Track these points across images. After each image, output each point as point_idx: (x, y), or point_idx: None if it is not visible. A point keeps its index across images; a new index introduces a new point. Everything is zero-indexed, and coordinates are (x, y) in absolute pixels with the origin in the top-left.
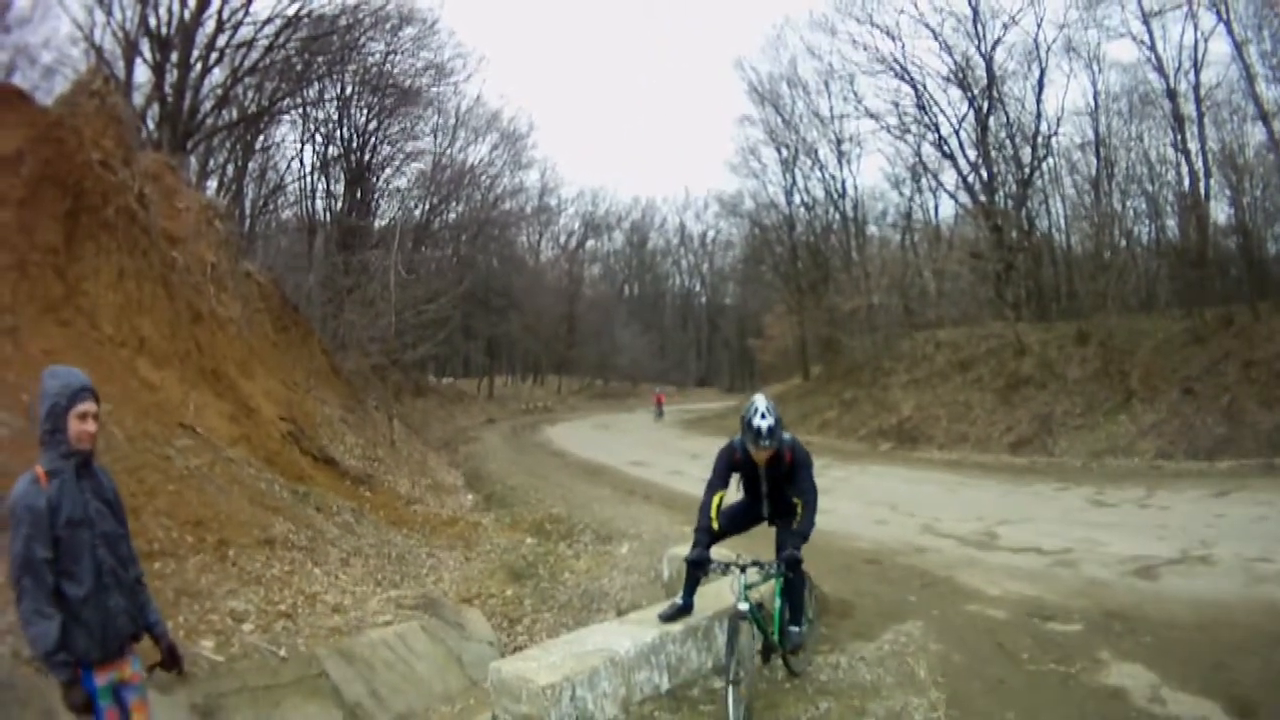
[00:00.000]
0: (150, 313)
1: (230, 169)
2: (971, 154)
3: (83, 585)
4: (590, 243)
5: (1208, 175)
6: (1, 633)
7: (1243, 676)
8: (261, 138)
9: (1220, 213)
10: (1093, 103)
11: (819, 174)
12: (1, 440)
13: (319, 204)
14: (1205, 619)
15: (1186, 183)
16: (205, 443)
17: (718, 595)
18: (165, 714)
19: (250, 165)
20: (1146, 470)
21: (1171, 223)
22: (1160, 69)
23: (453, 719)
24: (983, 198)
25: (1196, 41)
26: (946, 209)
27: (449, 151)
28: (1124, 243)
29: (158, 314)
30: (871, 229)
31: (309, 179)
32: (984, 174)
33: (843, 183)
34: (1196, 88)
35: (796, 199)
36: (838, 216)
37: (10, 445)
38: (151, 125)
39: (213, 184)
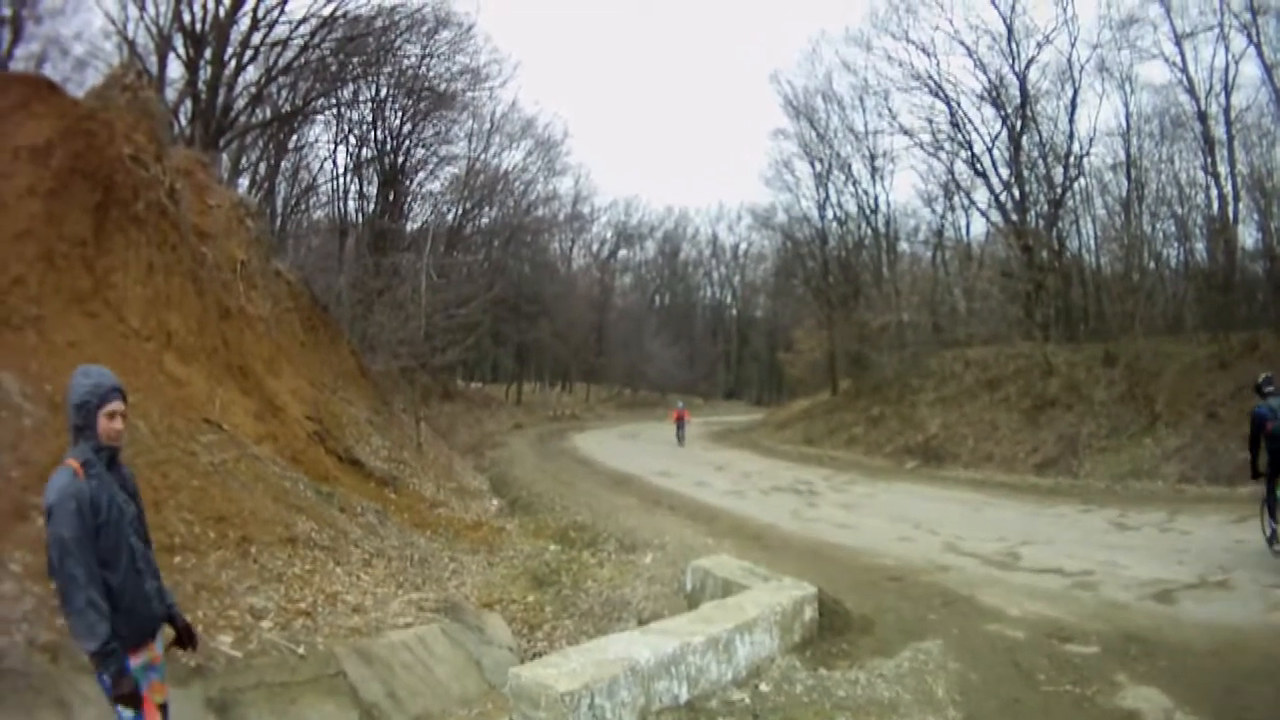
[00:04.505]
0: (178, 308)
1: (263, 167)
2: (1004, 172)
3: (119, 573)
4: (622, 252)
5: (1236, 199)
6: (15, 621)
7: (1255, 702)
8: (295, 137)
9: (1248, 237)
10: (1125, 123)
11: (852, 189)
12: (25, 429)
13: (351, 205)
14: (1220, 644)
15: (1215, 206)
16: (230, 439)
17: (739, 607)
18: (181, 707)
19: (283, 164)
20: (1169, 494)
21: (1200, 246)
22: (1192, 91)
23: None
24: (1014, 217)
25: (1228, 64)
26: (978, 227)
27: (483, 156)
28: (1153, 265)
29: (186, 309)
30: (903, 245)
31: (342, 180)
32: (1016, 193)
33: (875, 198)
34: (1227, 110)
35: (829, 213)
36: (870, 232)
37: (33, 434)
38: (184, 121)
39: (244, 182)
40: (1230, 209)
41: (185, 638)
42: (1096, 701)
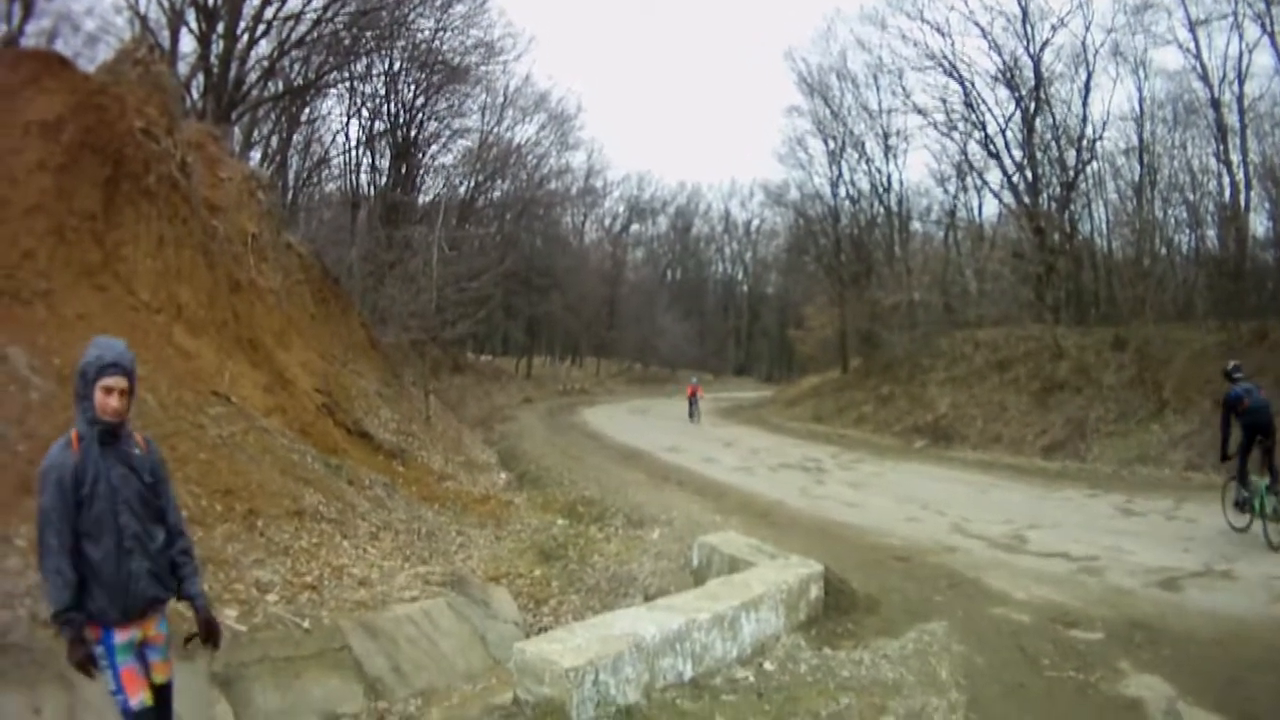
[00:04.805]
0: (189, 280)
1: (274, 140)
2: (1017, 154)
3: (102, 548)
4: (635, 226)
5: (1248, 187)
6: (19, 596)
7: (1257, 694)
8: (307, 110)
9: (1259, 225)
10: (1138, 109)
11: (865, 167)
12: (32, 403)
13: (363, 178)
14: (1224, 634)
15: (1227, 194)
16: (239, 412)
17: (745, 584)
18: (185, 682)
19: (295, 137)
20: (1175, 481)
21: (1211, 233)
22: (1205, 78)
23: (474, 698)
24: (1027, 199)
25: (1241, 53)
26: (990, 208)
27: (496, 130)
28: (1164, 251)
29: (196, 282)
30: (915, 225)
31: (354, 153)
32: (1029, 175)
33: (888, 177)
34: (1240, 99)
35: (842, 191)
36: (882, 211)
37: (40, 408)
38: (196, 95)
39: (256, 155)
40: (1242, 197)
41: (205, 633)
42: (1100, 688)
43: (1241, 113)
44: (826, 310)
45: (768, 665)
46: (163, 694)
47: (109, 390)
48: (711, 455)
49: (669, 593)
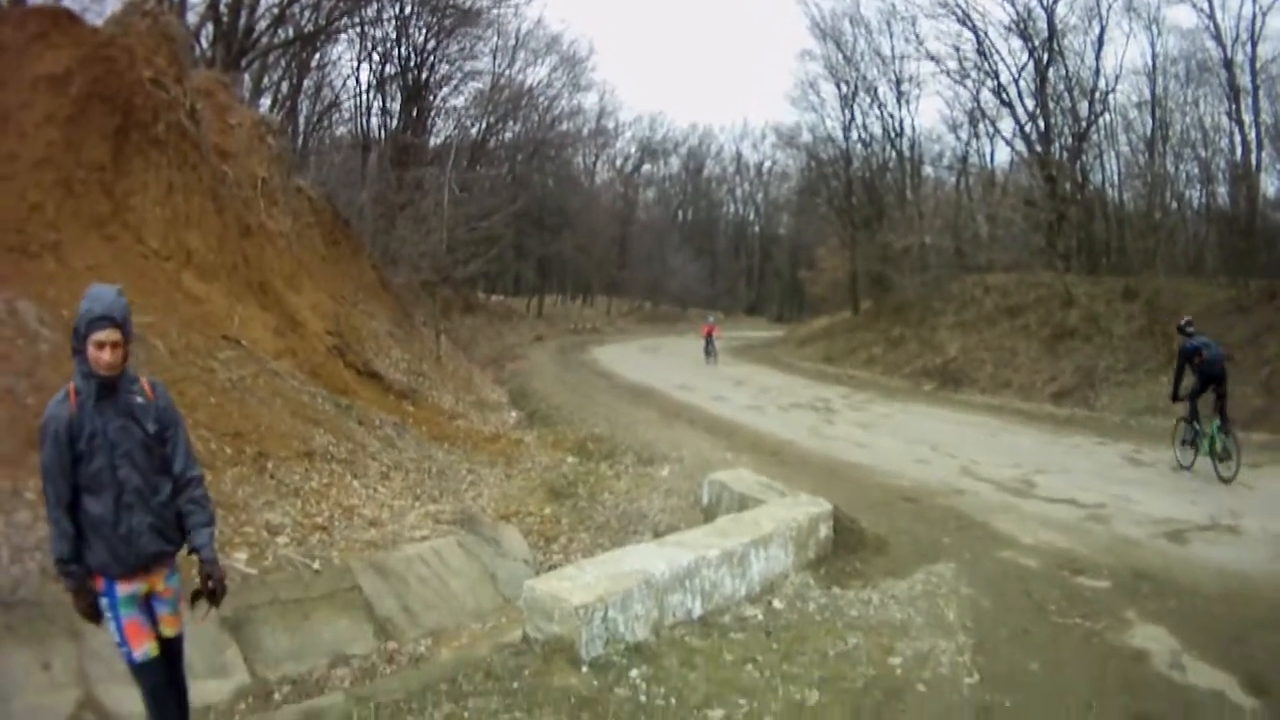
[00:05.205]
0: (198, 226)
1: (285, 86)
2: (1029, 104)
3: (102, 502)
4: (646, 167)
5: (1259, 148)
6: (28, 549)
7: (1261, 653)
8: (317, 56)
9: (1270, 185)
10: (1150, 64)
11: (877, 112)
12: (42, 355)
13: (374, 121)
14: (1230, 590)
15: (1239, 153)
16: (249, 355)
17: (754, 522)
18: (191, 627)
19: (305, 83)
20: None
21: (1222, 190)
22: (1218, 38)
23: (483, 637)
24: (1039, 147)
25: (1254, 15)
26: (1002, 155)
27: (508, 72)
28: (1175, 205)
29: (206, 228)
30: (927, 170)
31: (365, 96)
32: (1041, 124)
33: (900, 122)
34: (1253, 60)
35: (854, 135)
36: (894, 155)
37: (50, 360)
38: (205, 44)
39: (266, 101)
40: (1253, 156)
41: (205, 588)
42: (1105, 637)
43: (1254, 74)
44: (837, 252)
45: (776, 603)
46: (172, 647)
47: (100, 345)
48: (722, 394)
49: (679, 530)
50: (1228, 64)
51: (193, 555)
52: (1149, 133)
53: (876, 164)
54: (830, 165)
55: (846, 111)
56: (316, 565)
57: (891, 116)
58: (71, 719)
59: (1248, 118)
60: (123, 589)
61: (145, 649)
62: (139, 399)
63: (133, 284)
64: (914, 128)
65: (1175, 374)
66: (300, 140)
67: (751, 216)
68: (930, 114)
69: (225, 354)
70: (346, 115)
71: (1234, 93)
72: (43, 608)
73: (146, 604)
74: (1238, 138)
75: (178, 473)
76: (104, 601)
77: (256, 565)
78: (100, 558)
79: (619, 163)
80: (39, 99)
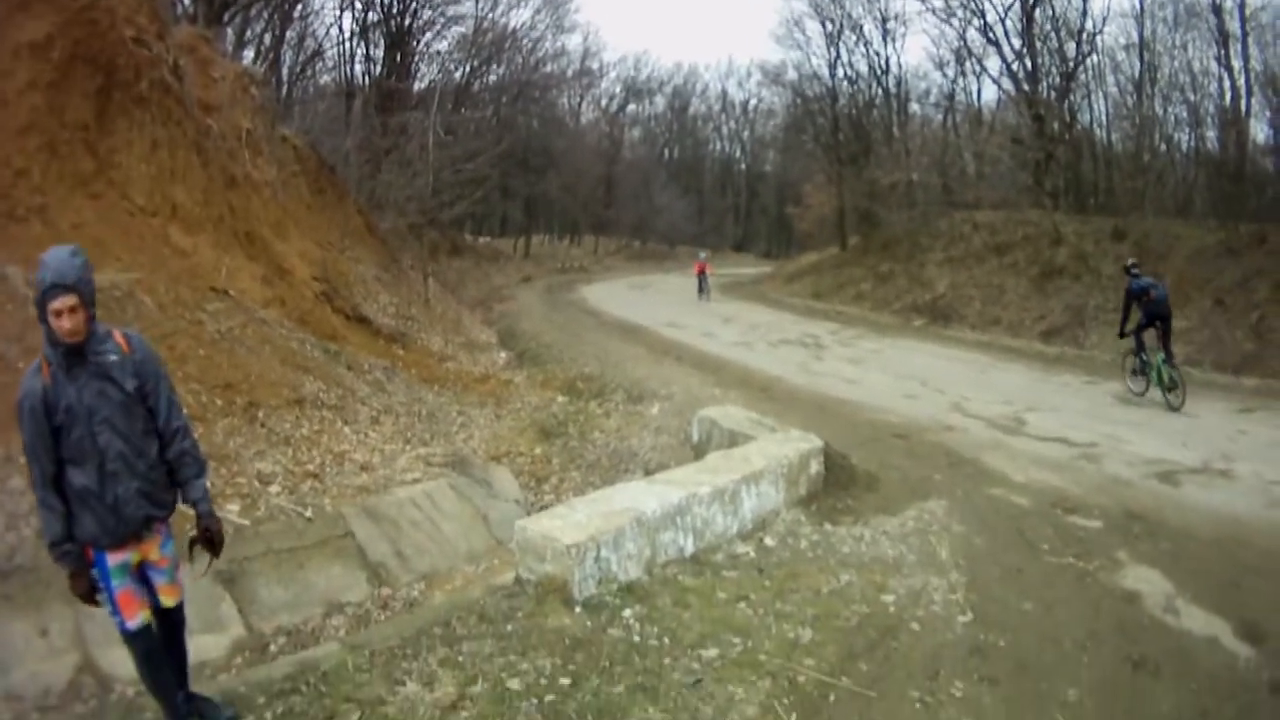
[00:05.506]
0: (183, 181)
1: (268, 38)
2: (1016, 43)
3: (86, 473)
4: (631, 107)
5: (1249, 94)
6: (23, 515)
7: (1255, 599)
8: (300, 6)
9: (1260, 132)
10: (1138, 6)
11: (863, 49)
12: (31, 319)
13: (358, 69)
14: (1223, 535)
15: (1228, 98)
16: (237, 305)
17: (745, 459)
18: (188, 583)
19: (288, 33)
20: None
21: (1211, 134)
22: None
23: (476, 579)
24: (1026, 86)
25: None
26: (989, 94)
27: (491, 15)
28: (1164, 147)
29: (191, 181)
30: (914, 107)
31: (348, 44)
32: (1028, 64)
33: (886, 60)
34: (1241, 7)
35: (840, 73)
36: (880, 93)
37: (38, 326)
38: (188, 1)
39: (250, 53)
40: (1243, 103)
41: (203, 538)
42: (1098, 578)
43: (1243, 21)
44: (824, 188)
45: (768, 540)
46: (173, 617)
47: (58, 313)
48: (711, 330)
49: (669, 467)
50: (1216, 10)
51: (189, 507)
52: (1137, 75)
53: (863, 101)
54: (816, 103)
55: (832, 49)
56: (309, 513)
57: (877, 54)
58: (72, 684)
59: (1237, 64)
60: (113, 559)
61: (139, 618)
62: (112, 356)
63: (119, 240)
64: (900, 65)
65: (1123, 311)
66: (284, 90)
67: (738, 154)
68: (916, 52)
69: (213, 305)
70: (330, 64)
71: (1223, 38)
72: (39, 574)
73: (139, 572)
74: (1227, 83)
75: (162, 426)
76: (94, 572)
77: (249, 516)
78: (89, 530)
79: (604, 103)
80: (21, 66)
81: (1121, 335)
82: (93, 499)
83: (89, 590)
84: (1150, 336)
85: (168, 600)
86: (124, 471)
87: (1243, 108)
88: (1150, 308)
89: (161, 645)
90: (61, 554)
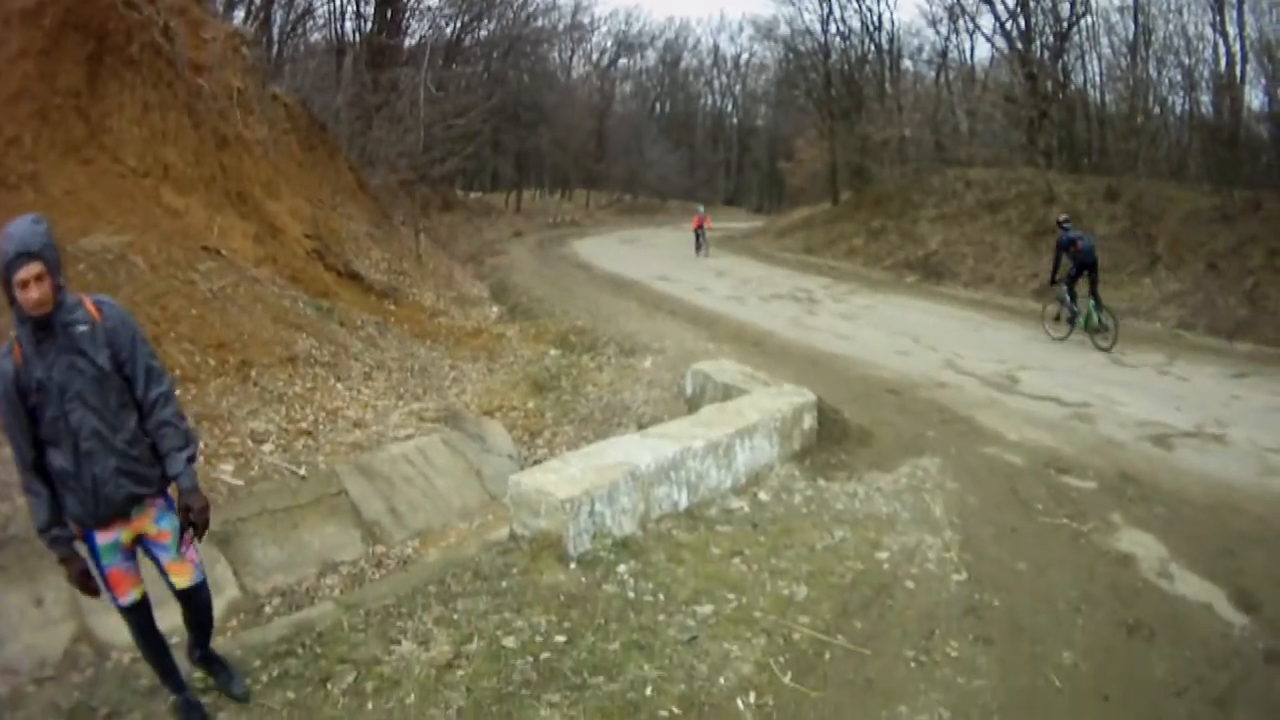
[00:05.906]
0: (175, 142)
1: None
2: (1010, 1)
3: (63, 454)
4: (622, 61)
5: (1244, 60)
6: (15, 485)
7: (1249, 567)
8: None
9: (1255, 98)
10: None
11: (856, 5)
12: None
13: (348, 26)
14: (1217, 500)
15: (1223, 64)
16: (229, 264)
17: (738, 412)
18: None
19: None
20: (1167, 337)
21: (1206, 99)
22: None
23: (471, 535)
24: (1019, 45)
25: None
26: (982, 51)
27: None
28: (1158, 110)
29: (182, 142)
30: (906, 64)
31: (338, 1)
32: (1021, 22)
33: (879, 16)
34: None
35: (832, 28)
36: (873, 48)
37: None
38: None
39: (240, 13)
40: (1238, 69)
41: (183, 519)
42: (1092, 540)
43: None
44: (816, 143)
45: (762, 495)
46: (190, 599)
47: (24, 284)
48: (703, 284)
49: (663, 421)
50: None
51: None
52: (1131, 37)
53: (855, 57)
54: (808, 58)
55: (824, 4)
56: (302, 471)
57: (870, 10)
58: (68, 654)
59: (1232, 30)
60: (102, 538)
61: (132, 595)
62: (82, 327)
63: (111, 204)
64: (893, 22)
65: (1054, 261)
66: (275, 49)
67: (729, 108)
68: (909, 8)
69: (206, 265)
70: (320, 21)
71: (1219, 4)
72: (33, 544)
73: (132, 550)
74: (1222, 49)
75: (140, 395)
76: (83, 548)
77: (243, 476)
78: (73, 510)
79: (595, 57)
80: (13, 35)
81: (1052, 282)
82: (71, 480)
83: (83, 578)
84: (1082, 286)
85: (179, 581)
86: (100, 450)
87: (1237, 74)
88: (1079, 257)
89: (152, 620)
90: (50, 539)
